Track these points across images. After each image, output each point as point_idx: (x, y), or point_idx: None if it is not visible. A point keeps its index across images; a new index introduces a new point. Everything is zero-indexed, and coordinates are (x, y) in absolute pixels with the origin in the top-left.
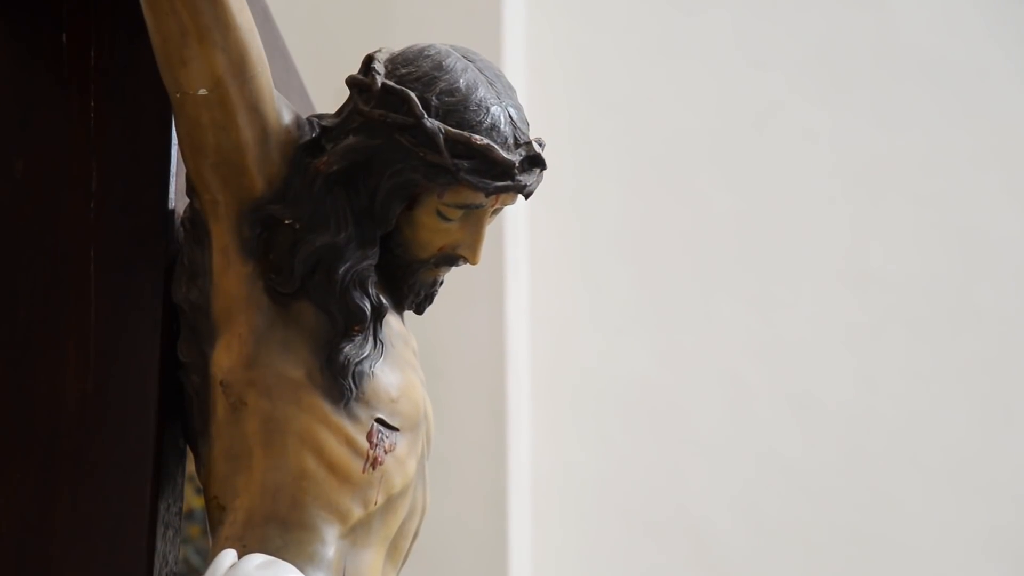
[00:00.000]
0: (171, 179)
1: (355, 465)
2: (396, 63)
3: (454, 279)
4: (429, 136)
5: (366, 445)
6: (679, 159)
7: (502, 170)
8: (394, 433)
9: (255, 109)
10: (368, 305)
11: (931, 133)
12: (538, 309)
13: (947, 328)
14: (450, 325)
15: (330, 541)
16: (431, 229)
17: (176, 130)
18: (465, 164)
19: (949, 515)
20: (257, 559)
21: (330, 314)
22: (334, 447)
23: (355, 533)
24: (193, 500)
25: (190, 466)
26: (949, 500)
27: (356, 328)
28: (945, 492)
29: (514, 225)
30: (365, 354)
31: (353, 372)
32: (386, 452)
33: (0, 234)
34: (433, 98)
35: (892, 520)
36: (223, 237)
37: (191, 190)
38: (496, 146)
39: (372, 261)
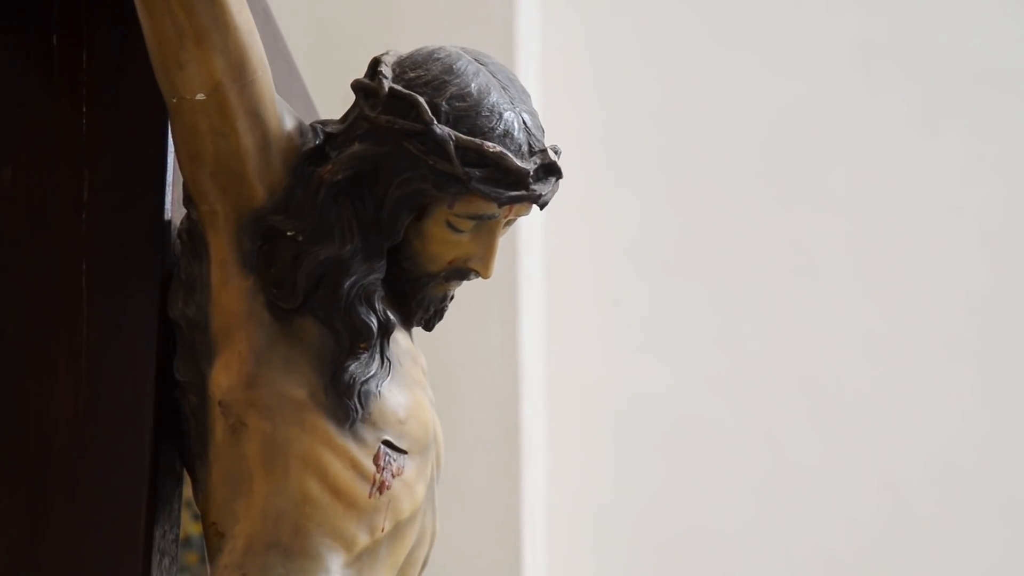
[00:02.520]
0: (167, 188)
1: (361, 490)
2: (404, 66)
3: (465, 294)
4: (439, 143)
5: (372, 469)
6: (702, 167)
7: (516, 179)
8: (402, 456)
9: (255, 114)
10: (375, 321)
11: (969, 140)
12: (554, 326)
13: (986, 345)
14: (461, 342)
15: (335, 570)
16: (441, 241)
17: (172, 137)
18: (477, 173)
19: (989, 543)
20: None
21: (335, 331)
22: (339, 471)
23: (361, 561)
24: (190, 526)
25: (187, 491)
26: (989, 528)
27: (362, 345)
28: (985, 520)
29: (529, 237)
30: (371, 373)
31: (359, 392)
32: (394, 476)
33: None
34: (443, 103)
35: (929, 549)
36: (222, 250)
37: (188, 200)
38: (509, 154)
39: (379, 275)
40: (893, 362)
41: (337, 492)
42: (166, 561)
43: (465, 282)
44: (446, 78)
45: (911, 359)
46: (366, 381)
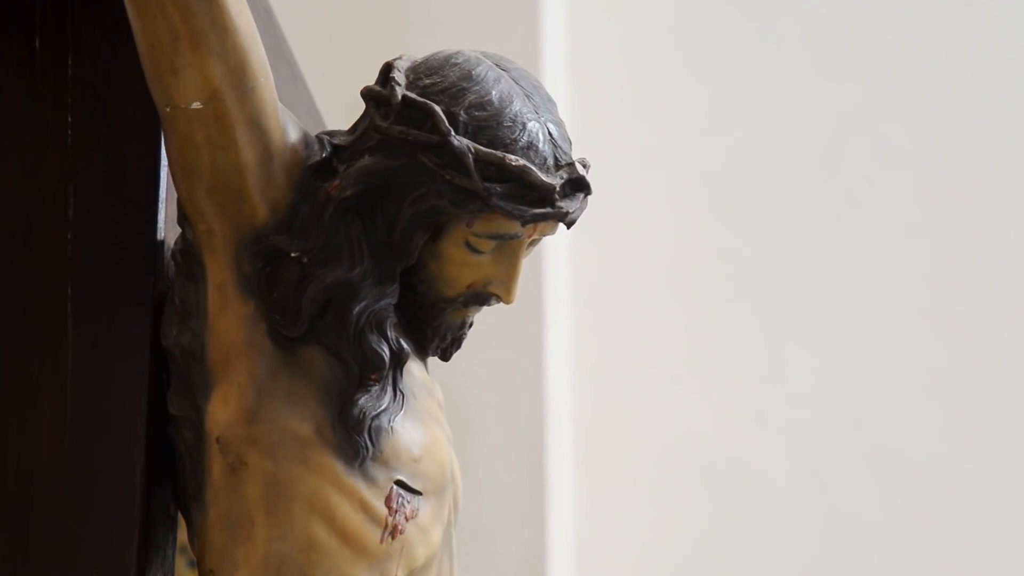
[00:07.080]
0: (160, 206)
1: (371, 534)
2: (419, 72)
3: (486, 320)
4: (456, 156)
5: (384, 511)
6: (742, 183)
7: (540, 195)
8: (416, 497)
9: (256, 125)
10: (386, 350)
11: None
12: (582, 355)
13: None
14: (481, 373)
15: None
16: (459, 263)
17: (166, 149)
18: (498, 188)
19: None
20: None
21: (343, 361)
22: (347, 513)
23: None
24: (185, 574)
25: (182, 535)
26: None
27: (373, 376)
28: None
29: (554, 258)
30: (383, 407)
31: (369, 427)
32: (407, 519)
33: None
34: (461, 112)
35: None
36: (220, 272)
37: (183, 218)
38: (533, 167)
39: (391, 300)
40: (948, 393)
41: (345, 537)
42: None
43: (485, 308)
44: (464, 85)
45: (967, 390)
46: (377, 416)
